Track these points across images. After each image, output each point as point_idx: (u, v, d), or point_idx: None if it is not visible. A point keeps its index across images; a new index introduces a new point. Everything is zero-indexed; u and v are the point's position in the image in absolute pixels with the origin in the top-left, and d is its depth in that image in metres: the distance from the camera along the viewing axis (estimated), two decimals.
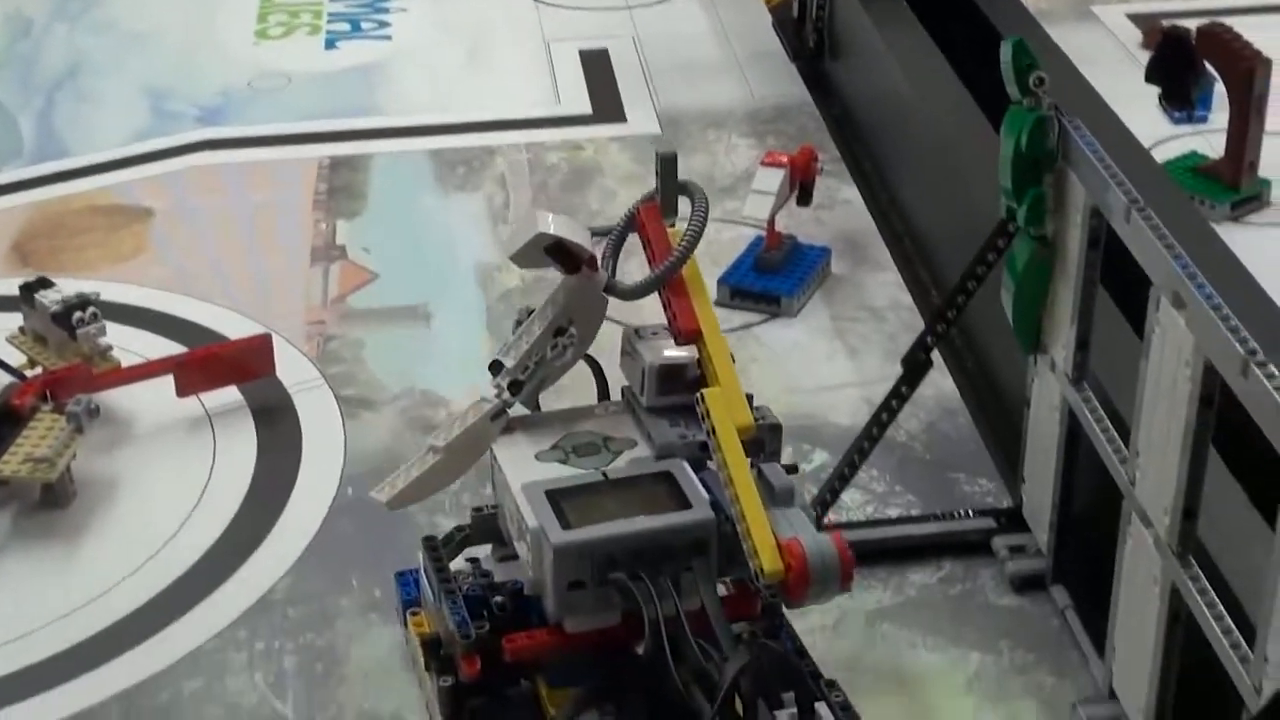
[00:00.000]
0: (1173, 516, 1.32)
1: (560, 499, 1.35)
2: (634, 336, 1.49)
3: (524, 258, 1.44)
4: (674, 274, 1.44)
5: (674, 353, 1.46)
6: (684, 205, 1.51)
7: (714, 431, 1.34)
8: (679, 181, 1.50)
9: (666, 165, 1.49)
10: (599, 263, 1.46)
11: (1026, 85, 1.50)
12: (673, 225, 1.49)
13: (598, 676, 1.37)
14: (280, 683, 1.61)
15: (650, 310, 1.52)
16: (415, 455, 1.47)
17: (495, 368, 1.46)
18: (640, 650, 1.31)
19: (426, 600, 1.48)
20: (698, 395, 1.36)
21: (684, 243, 1.43)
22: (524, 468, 1.41)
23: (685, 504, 1.35)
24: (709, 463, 1.39)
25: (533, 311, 1.47)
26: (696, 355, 1.43)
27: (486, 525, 1.50)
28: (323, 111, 2.86)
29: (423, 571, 1.49)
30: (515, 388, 1.44)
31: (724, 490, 1.32)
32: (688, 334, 1.42)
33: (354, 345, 2.15)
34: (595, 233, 1.47)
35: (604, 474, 1.39)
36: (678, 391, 1.45)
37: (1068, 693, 1.55)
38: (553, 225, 1.42)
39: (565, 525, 1.32)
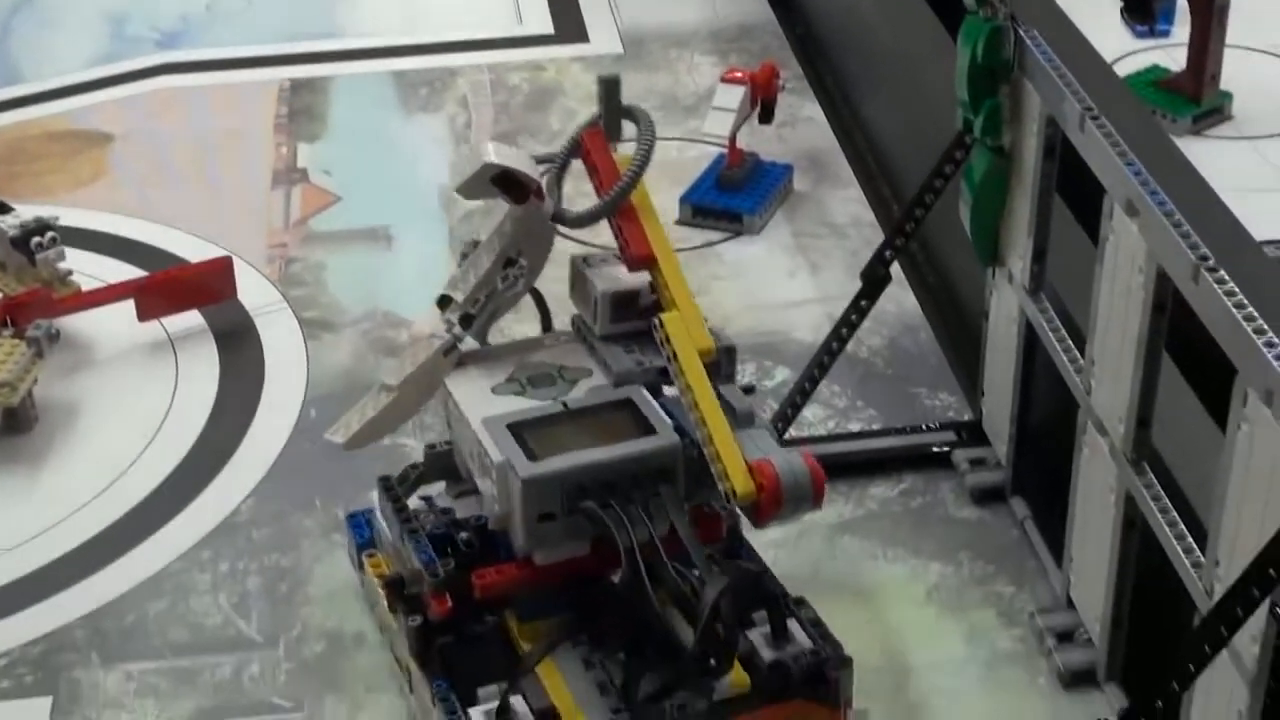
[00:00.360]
0: (1127, 424, 1.33)
1: (523, 431, 1.33)
2: (583, 264, 1.47)
3: (471, 189, 1.41)
4: (623, 200, 1.41)
5: (626, 279, 1.43)
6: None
7: (675, 356, 1.33)
8: (623, 105, 1.47)
9: (609, 88, 1.46)
10: (544, 191, 1.44)
11: None
12: (615, 150, 1.48)
13: (569, 607, 1.36)
14: (244, 603, 1.62)
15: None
16: (369, 394, 1.45)
17: (444, 302, 1.43)
18: (616, 579, 1.30)
19: (384, 541, 1.47)
20: (655, 320, 1.35)
21: (632, 168, 1.41)
22: (481, 402, 1.39)
23: (649, 430, 1.34)
24: (666, 388, 1.39)
25: (478, 243, 1.44)
26: (649, 281, 1.42)
27: (441, 462, 1.48)
28: (283, 34, 2.84)
29: (379, 512, 1.48)
30: (466, 321, 1.42)
31: (687, 415, 1.31)
32: (640, 259, 1.40)
33: (315, 268, 2.15)
34: (539, 160, 1.45)
35: (564, 404, 1.37)
36: (631, 318, 1.43)
37: (1026, 602, 1.56)
38: (498, 155, 1.39)
39: (531, 457, 1.30)
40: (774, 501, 1.27)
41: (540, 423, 1.34)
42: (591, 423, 1.35)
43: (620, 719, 1.28)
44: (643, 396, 1.37)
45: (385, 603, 1.44)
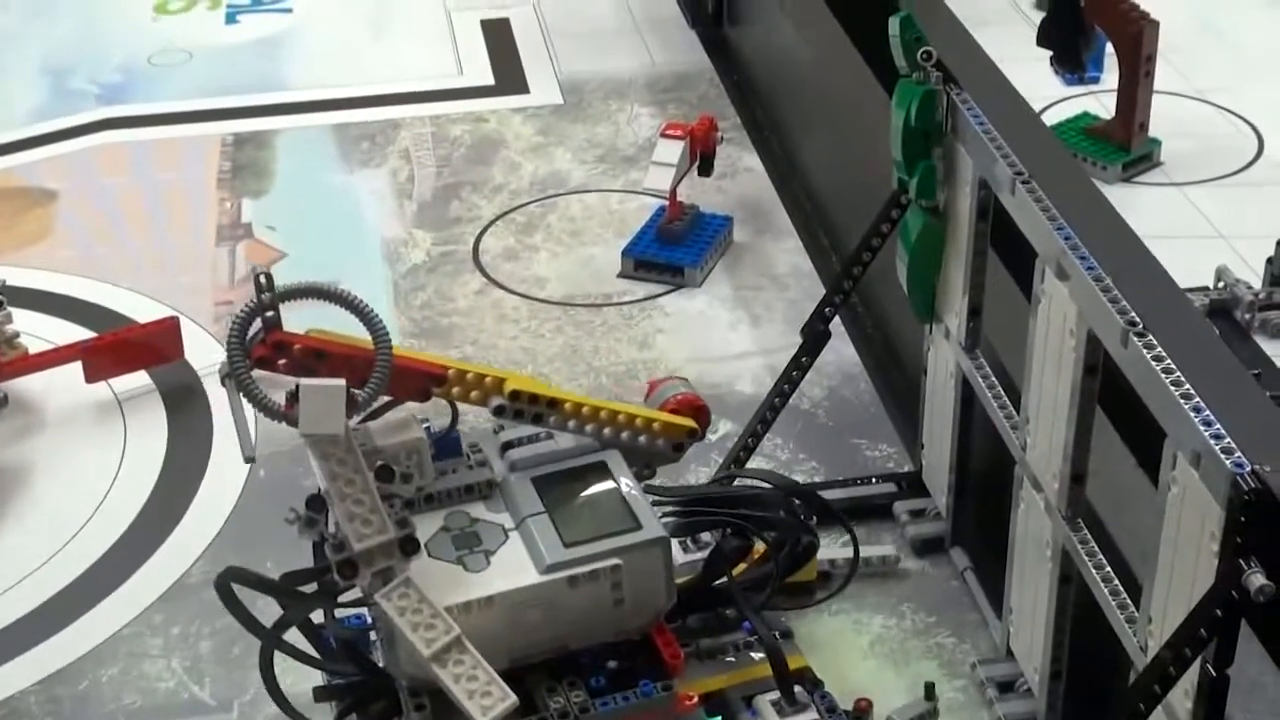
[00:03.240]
0: (1061, 481, 1.36)
1: (564, 536, 1.32)
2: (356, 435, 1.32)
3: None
4: (390, 368, 1.30)
5: (396, 425, 1.35)
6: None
7: (547, 403, 1.36)
8: (299, 287, 1.30)
9: (267, 282, 1.29)
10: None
11: (915, 59, 1.53)
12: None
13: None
14: (196, 667, 1.63)
15: None
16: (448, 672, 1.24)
17: (348, 566, 1.25)
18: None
19: None
20: (500, 403, 1.35)
21: (381, 339, 1.29)
22: (484, 580, 1.30)
23: (600, 464, 1.38)
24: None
25: (319, 496, 1.29)
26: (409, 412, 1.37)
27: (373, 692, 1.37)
28: (225, 87, 2.86)
29: None
30: (410, 546, 1.26)
31: (587, 430, 1.39)
32: (442, 376, 1.36)
33: None
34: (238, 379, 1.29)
35: (544, 510, 1.35)
36: (446, 450, 1.40)
37: (967, 653, 1.59)
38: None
39: (629, 528, 1.31)
40: (707, 415, 1.49)
41: (558, 527, 1.33)
42: (570, 497, 1.36)
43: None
44: (536, 472, 1.38)
45: None
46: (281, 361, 1.30)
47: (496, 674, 1.23)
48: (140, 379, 2.04)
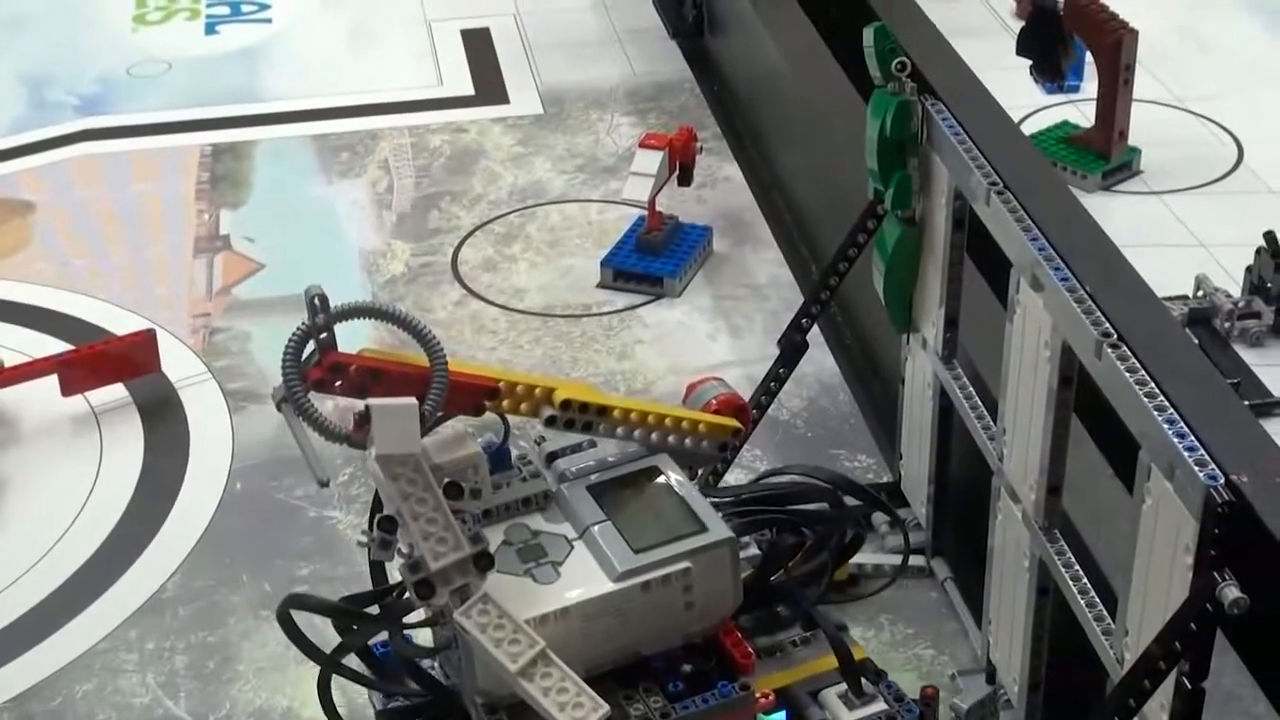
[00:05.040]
0: (1038, 493, 1.36)
1: (633, 541, 1.31)
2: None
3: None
4: (446, 389, 1.29)
5: (446, 441, 1.29)
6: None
7: (597, 409, 1.36)
8: (349, 307, 1.28)
9: (322, 303, 1.27)
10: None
11: (889, 69, 1.53)
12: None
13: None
14: (172, 682, 1.62)
15: None
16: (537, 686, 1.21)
17: (426, 587, 1.22)
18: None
19: None
20: (550, 413, 1.34)
21: (435, 351, 1.28)
22: (553, 591, 1.28)
23: (653, 466, 1.37)
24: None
25: (389, 519, 1.24)
26: (460, 428, 1.32)
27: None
28: (204, 98, 2.85)
29: None
30: (485, 562, 1.24)
31: (635, 435, 1.38)
32: (491, 389, 1.34)
33: (240, 337, 2.16)
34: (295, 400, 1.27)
35: (605, 518, 1.34)
36: (498, 463, 1.38)
37: (947, 664, 1.58)
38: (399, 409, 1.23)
39: (695, 530, 1.31)
40: (749, 414, 1.50)
41: (621, 532, 1.32)
42: (628, 502, 1.35)
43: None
44: (591, 479, 1.38)
45: None
46: (337, 383, 1.27)
47: (585, 684, 1.21)
48: (117, 392, 2.02)
